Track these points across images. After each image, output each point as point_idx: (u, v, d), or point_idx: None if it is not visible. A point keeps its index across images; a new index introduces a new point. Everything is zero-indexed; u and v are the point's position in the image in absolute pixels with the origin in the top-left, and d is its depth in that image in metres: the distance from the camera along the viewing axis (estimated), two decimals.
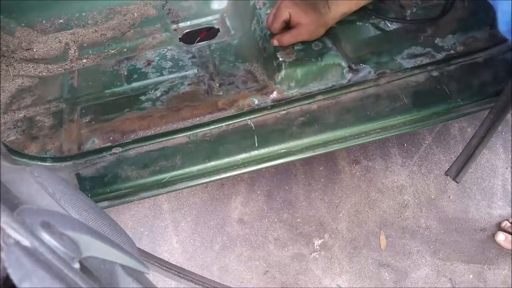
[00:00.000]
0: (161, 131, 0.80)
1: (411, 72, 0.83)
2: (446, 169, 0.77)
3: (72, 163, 0.77)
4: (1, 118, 0.84)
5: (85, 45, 1.00)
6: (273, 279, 1.24)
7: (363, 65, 0.85)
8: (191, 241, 1.30)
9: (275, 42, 0.82)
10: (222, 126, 0.80)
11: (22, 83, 0.91)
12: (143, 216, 1.34)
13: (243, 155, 0.78)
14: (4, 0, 0.97)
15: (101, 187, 0.75)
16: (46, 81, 0.92)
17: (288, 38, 0.81)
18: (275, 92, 0.83)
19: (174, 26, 1.02)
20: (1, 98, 0.88)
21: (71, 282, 0.25)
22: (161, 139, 0.79)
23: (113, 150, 0.78)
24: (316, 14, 0.78)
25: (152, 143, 0.79)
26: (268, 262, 1.26)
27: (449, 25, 0.90)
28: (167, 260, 0.82)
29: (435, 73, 0.83)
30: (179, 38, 1.00)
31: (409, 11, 0.94)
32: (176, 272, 0.55)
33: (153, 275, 1.18)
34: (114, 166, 0.77)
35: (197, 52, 0.95)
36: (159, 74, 0.91)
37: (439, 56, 0.86)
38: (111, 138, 0.80)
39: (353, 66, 0.85)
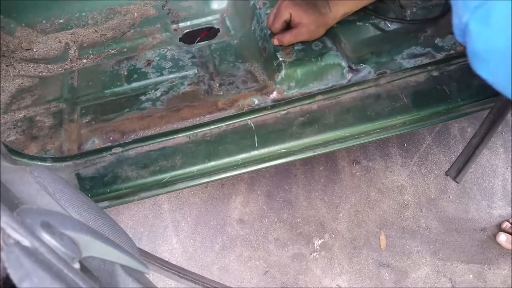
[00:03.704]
0: (161, 131, 0.80)
1: (411, 72, 0.83)
2: (446, 169, 0.77)
3: (72, 163, 0.77)
4: (1, 118, 0.84)
5: (85, 45, 1.00)
6: (273, 279, 1.24)
7: (363, 65, 0.85)
8: (191, 241, 1.30)
9: (275, 42, 0.82)
10: (222, 126, 0.80)
11: (22, 83, 0.91)
12: (143, 216, 1.34)
13: (243, 155, 0.77)
14: (4, 0, 0.97)
15: (101, 187, 0.75)
16: (46, 81, 0.92)
17: (288, 38, 0.81)
18: (275, 92, 0.83)
19: (174, 26, 1.02)
20: (1, 98, 0.88)
21: (71, 282, 0.25)
22: (161, 139, 0.79)
23: (113, 150, 0.78)
24: (316, 14, 0.79)
25: (152, 143, 0.79)
26: (268, 262, 1.26)
27: (449, 25, 0.90)
28: (167, 260, 0.82)
29: (435, 73, 0.83)
30: (179, 38, 1.00)
31: (409, 11, 0.94)
32: (176, 272, 0.55)
33: (153, 275, 1.18)
34: (114, 166, 0.77)
35: (197, 52, 0.95)
36: (159, 74, 0.91)
37: (439, 56, 0.86)
38: (111, 138, 0.80)
39: (353, 66, 0.85)
